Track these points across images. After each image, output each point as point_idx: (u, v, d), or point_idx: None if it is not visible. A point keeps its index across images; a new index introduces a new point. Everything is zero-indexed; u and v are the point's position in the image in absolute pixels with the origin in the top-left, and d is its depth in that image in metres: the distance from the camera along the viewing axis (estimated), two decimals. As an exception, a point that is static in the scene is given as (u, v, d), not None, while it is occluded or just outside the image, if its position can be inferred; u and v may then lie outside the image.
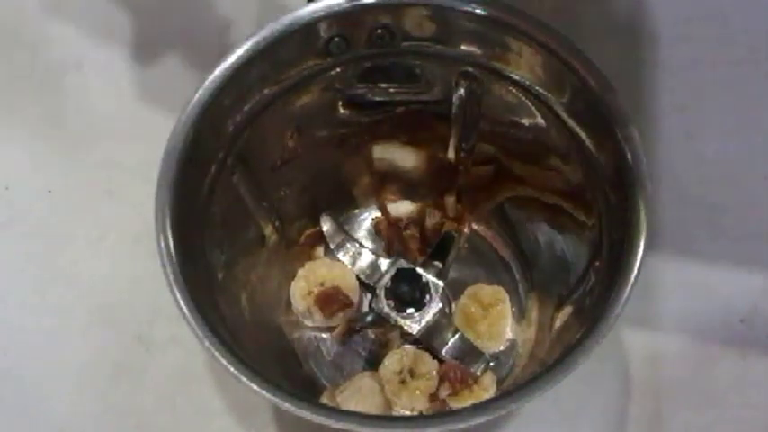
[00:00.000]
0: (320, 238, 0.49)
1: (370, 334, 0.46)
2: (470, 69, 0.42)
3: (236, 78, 0.38)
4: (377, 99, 0.44)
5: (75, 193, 0.51)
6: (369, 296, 0.47)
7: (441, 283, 0.45)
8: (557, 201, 0.44)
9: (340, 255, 0.48)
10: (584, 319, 0.38)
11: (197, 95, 0.38)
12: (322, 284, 0.46)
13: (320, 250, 0.49)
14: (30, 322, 0.48)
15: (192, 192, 0.38)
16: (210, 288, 0.38)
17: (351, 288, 0.46)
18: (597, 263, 0.39)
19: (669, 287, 0.47)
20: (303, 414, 0.32)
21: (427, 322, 0.45)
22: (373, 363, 0.45)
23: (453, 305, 0.46)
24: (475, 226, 0.49)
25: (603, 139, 0.38)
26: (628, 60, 0.53)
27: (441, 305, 0.45)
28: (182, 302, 0.34)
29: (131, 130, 0.52)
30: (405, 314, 0.44)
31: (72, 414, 0.45)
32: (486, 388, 0.44)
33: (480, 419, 0.32)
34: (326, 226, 0.48)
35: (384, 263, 0.47)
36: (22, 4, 0.56)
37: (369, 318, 0.46)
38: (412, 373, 0.44)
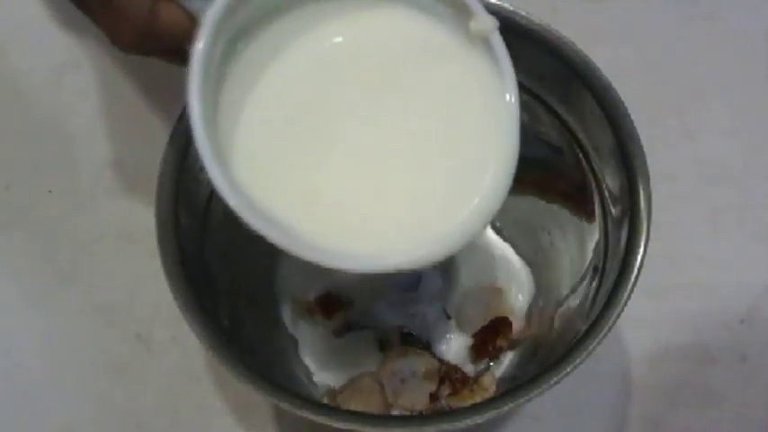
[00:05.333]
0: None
1: (371, 334, 0.46)
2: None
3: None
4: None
5: (75, 193, 0.51)
6: (370, 296, 0.47)
7: (441, 283, 0.45)
8: (557, 201, 0.44)
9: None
10: (584, 319, 0.38)
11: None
12: (322, 284, 0.46)
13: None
14: (30, 322, 0.48)
15: (192, 191, 0.38)
16: (210, 288, 0.38)
17: (351, 288, 0.46)
18: (597, 263, 0.39)
19: (669, 287, 0.47)
20: (303, 414, 0.32)
21: (427, 322, 0.45)
22: (373, 363, 0.45)
23: (453, 305, 0.46)
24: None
25: (603, 139, 0.38)
26: (627, 60, 0.53)
27: (441, 305, 0.45)
28: (182, 302, 0.34)
29: (131, 130, 0.52)
30: (405, 314, 0.44)
31: (72, 414, 0.45)
32: (486, 388, 0.44)
33: (480, 419, 0.32)
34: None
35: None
36: (22, 5, 0.56)
37: (369, 317, 0.46)
38: (412, 373, 0.44)
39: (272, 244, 0.29)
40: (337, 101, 0.31)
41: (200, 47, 0.29)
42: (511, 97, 0.31)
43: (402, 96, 0.32)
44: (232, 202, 0.28)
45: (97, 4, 0.30)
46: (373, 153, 0.31)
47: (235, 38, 0.31)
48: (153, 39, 0.31)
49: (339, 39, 0.32)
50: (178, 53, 0.31)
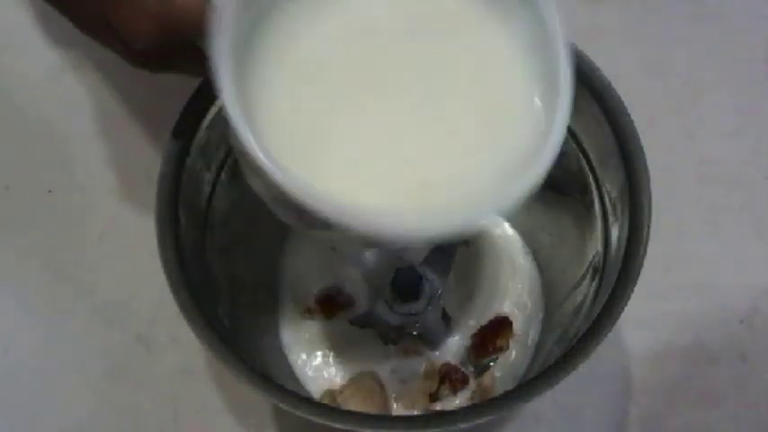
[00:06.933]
0: (321, 238, 0.49)
1: (371, 333, 0.46)
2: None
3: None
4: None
5: (74, 193, 0.51)
6: (370, 296, 0.47)
7: (442, 283, 0.45)
8: (557, 200, 0.44)
9: (341, 254, 0.48)
10: (584, 319, 0.38)
11: (197, 93, 0.38)
12: (322, 284, 0.46)
13: (321, 250, 0.49)
14: (30, 322, 0.48)
15: (193, 191, 0.38)
16: (210, 288, 0.38)
17: (351, 288, 0.46)
18: (597, 263, 0.39)
19: (669, 287, 0.47)
20: (303, 414, 0.32)
21: (427, 322, 0.45)
22: (374, 362, 0.45)
23: (453, 305, 0.46)
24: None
25: (603, 138, 0.38)
26: (627, 60, 0.53)
27: (441, 305, 0.45)
28: (182, 302, 0.34)
29: (131, 130, 0.52)
30: (405, 314, 0.44)
31: (72, 414, 0.45)
32: (487, 388, 0.44)
33: (480, 419, 0.32)
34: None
35: (384, 263, 0.47)
36: (21, 5, 0.56)
37: (369, 317, 0.46)
38: (412, 374, 0.44)
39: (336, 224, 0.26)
40: (376, 67, 0.30)
41: (223, 27, 0.27)
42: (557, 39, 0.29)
43: (445, 60, 0.30)
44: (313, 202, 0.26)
45: (109, 5, 0.29)
46: (426, 115, 0.30)
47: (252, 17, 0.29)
48: (171, 30, 0.30)
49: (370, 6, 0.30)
50: (194, 59, 0.30)
